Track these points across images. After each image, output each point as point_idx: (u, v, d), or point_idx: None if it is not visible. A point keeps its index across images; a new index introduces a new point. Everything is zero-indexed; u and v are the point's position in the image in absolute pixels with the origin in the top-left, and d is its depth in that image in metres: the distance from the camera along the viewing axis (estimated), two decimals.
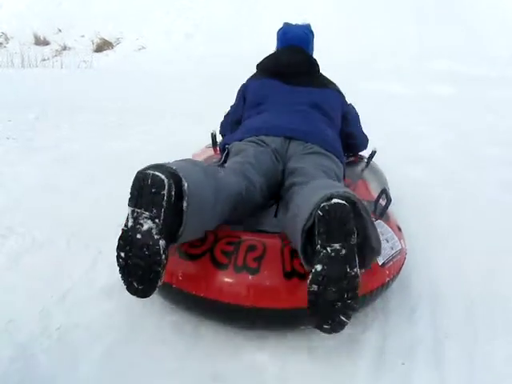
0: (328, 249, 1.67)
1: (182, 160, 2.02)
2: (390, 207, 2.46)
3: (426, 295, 2.54)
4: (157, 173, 1.69)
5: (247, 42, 14.16)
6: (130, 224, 1.73)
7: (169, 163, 1.82)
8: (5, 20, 17.91)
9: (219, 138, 3.41)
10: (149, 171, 1.72)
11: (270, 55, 3.14)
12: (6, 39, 17.06)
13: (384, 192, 2.43)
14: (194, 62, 12.49)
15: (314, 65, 3.10)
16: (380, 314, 2.35)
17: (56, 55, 14.99)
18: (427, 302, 2.48)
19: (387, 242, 2.28)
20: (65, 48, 15.60)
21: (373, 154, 3.50)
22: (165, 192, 1.67)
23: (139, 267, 1.71)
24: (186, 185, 1.73)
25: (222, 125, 3.35)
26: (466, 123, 6.77)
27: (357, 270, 1.69)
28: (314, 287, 1.69)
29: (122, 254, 1.74)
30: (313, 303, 1.70)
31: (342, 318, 1.71)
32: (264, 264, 1.98)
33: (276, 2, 17.06)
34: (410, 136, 6.00)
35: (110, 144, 4.98)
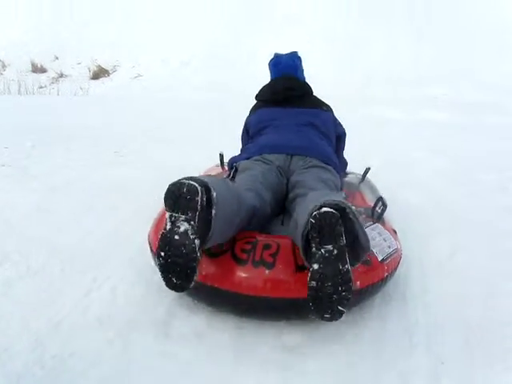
0: (322, 250, 1.93)
1: (206, 175, 2.40)
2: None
3: (422, 322, 2.53)
4: (191, 182, 1.97)
5: (243, 70, 14.28)
6: (168, 227, 1.99)
7: (198, 176, 2.10)
8: (2, 47, 18.08)
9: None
10: (184, 181, 1.98)
11: (266, 85, 3.49)
12: (4, 66, 17.20)
13: (380, 199, 2.73)
14: (189, 89, 12.58)
15: (305, 88, 3.44)
16: (377, 343, 2.34)
17: (53, 82, 15.10)
18: (424, 328, 2.47)
19: (385, 241, 2.55)
20: (61, 75, 15.72)
21: (367, 170, 3.88)
22: (198, 198, 1.95)
23: (177, 264, 1.98)
24: (214, 194, 2.02)
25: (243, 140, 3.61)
26: (461, 149, 6.81)
27: (348, 266, 1.94)
28: (313, 283, 1.95)
29: (162, 254, 2.00)
30: (313, 297, 1.96)
31: (340, 307, 1.95)
32: (279, 259, 2.24)
33: (271, 31, 17.25)
34: (405, 161, 6.03)
35: (106, 172, 4.98)
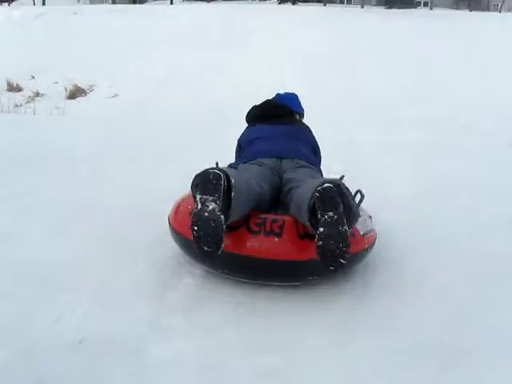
0: (325, 216, 2.50)
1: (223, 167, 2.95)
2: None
3: (404, 348, 2.53)
4: (216, 171, 2.56)
5: (220, 91, 14.31)
6: (199, 207, 2.52)
7: (219, 167, 2.79)
8: None
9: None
10: (210, 170, 2.57)
11: (255, 106, 4.23)
12: None
13: (359, 191, 3.17)
14: (166, 109, 12.53)
15: (288, 110, 4.08)
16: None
17: (29, 101, 14.94)
18: (405, 355, 2.47)
19: (365, 221, 3.23)
20: (37, 94, 15.59)
21: (342, 177, 4.02)
22: (222, 182, 2.51)
23: (208, 235, 2.51)
24: (233, 180, 2.60)
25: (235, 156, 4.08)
26: (435, 170, 6.88)
27: (346, 228, 2.51)
28: (320, 243, 2.52)
29: (196, 228, 2.53)
30: (320, 254, 2.54)
31: (341, 260, 2.54)
32: (285, 230, 2.83)
33: (249, 52, 17.39)
34: (380, 182, 6.07)
35: (81, 192, 4.93)
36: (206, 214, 2.50)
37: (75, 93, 15.47)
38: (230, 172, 2.67)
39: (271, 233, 2.81)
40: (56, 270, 3.14)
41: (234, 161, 3.88)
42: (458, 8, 37.43)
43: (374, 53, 16.69)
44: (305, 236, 2.81)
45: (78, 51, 17.90)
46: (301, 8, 26.24)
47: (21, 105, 14.42)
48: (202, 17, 22.97)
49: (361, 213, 3.09)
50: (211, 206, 2.50)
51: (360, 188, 3.24)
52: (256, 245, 2.81)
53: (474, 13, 28.94)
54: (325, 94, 13.52)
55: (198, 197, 2.54)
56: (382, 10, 30.78)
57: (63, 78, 15.67)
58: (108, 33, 19.03)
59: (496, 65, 17.14)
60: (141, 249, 3.53)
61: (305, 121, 4.32)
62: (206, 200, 2.51)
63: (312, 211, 2.59)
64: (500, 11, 35.19)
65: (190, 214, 2.58)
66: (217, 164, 3.94)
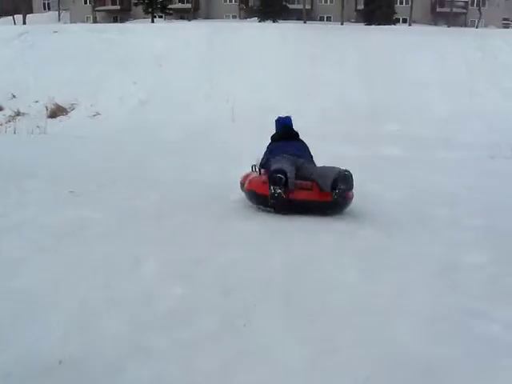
0: (342, 186, 4.75)
1: (288, 160, 5.22)
2: None
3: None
4: (280, 175, 4.74)
5: (201, 110, 14.42)
6: (271, 191, 4.70)
7: (282, 166, 4.95)
8: None
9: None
10: (276, 175, 4.74)
11: (277, 132, 5.97)
12: None
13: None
14: (147, 128, 12.56)
15: (295, 133, 5.96)
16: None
17: (9, 121, 14.91)
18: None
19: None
20: (18, 114, 15.54)
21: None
22: (283, 180, 4.71)
23: (277, 201, 4.78)
24: (288, 175, 4.81)
25: (261, 162, 5.72)
26: (414, 183, 6.95)
27: (348, 189, 4.87)
28: (337, 192, 4.77)
29: (272, 200, 4.77)
30: (338, 197, 4.80)
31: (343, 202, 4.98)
32: (313, 187, 5.05)
33: (233, 70, 17.50)
34: (360, 197, 6.10)
35: (61, 212, 4.89)
36: (276, 194, 4.72)
37: (56, 112, 15.45)
38: (286, 168, 4.95)
39: (305, 189, 5.06)
40: (36, 292, 3.10)
41: (265, 158, 5.65)
42: (436, 24, 38.01)
43: (354, 68, 16.85)
44: (321, 190, 4.98)
45: (59, 70, 17.89)
46: (281, 26, 26.44)
47: (1, 124, 14.38)
48: (183, 36, 23.08)
49: None
50: (278, 190, 4.72)
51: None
52: (300, 195, 5.00)
53: (451, 29, 29.37)
54: (309, 110, 13.65)
55: (272, 187, 4.74)
56: (361, 26, 31.15)
57: (44, 96, 15.64)
58: (89, 51, 19.06)
59: (474, 80, 17.43)
60: (121, 267, 3.51)
61: None
62: (275, 188, 4.73)
63: (334, 182, 4.83)
64: (477, 27, 35.76)
65: (269, 190, 4.76)
66: (253, 166, 5.84)
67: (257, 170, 5.64)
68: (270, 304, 3.07)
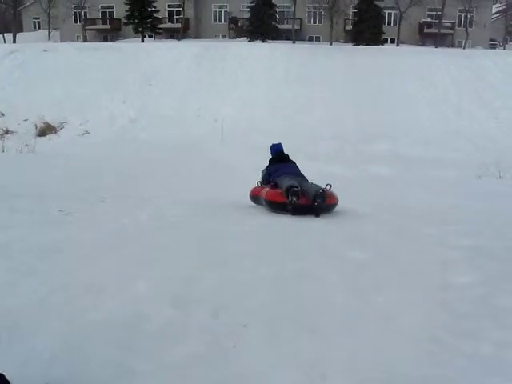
0: (318, 200, 6.29)
1: (292, 179, 6.68)
2: None
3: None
4: (296, 188, 6.30)
5: (190, 128, 14.42)
6: (290, 200, 6.28)
7: (292, 183, 6.43)
8: None
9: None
10: (294, 188, 6.29)
11: (274, 157, 7.36)
12: None
13: (328, 184, 6.69)
14: (136, 147, 12.56)
15: (287, 155, 7.36)
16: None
17: None
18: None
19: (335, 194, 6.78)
20: (7, 132, 15.49)
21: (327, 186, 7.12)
22: (299, 191, 6.32)
23: (293, 206, 6.37)
24: (300, 188, 6.39)
25: (263, 179, 7.25)
26: (404, 203, 6.98)
27: (323, 201, 6.39)
28: (318, 202, 6.34)
29: (289, 207, 6.34)
30: (318, 203, 6.34)
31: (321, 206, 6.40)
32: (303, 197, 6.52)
33: (216, 92, 17.56)
34: (350, 216, 6.13)
35: (50, 232, 4.86)
36: (293, 201, 6.16)
37: (45, 130, 15.42)
38: (298, 182, 6.49)
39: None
40: (25, 312, 3.06)
41: (266, 176, 7.17)
42: (423, 45, 38.47)
43: (343, 88, 16.98)
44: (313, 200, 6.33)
45: (49, 88, 17.88)
46: (270, 45, 26.65)
47: None
48: (173, 55, 23.20)
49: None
50: (294, 199, 6.16)
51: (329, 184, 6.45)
52: (302, 201, 6.36)
53: (439, 49, 29.72)
54: (297, 129, 13.72)
55: (290, 196, 6.19)
56: (350, 46, 31.45)
57: (33, 115, 15.62)
58: (79, 70, 19.09)
59: (462, 100, 17.61)
60: (110, 288, 3.48)
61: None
62: (292, 198, 6.16)
63: (313, 197, 6.24)
64: (464, 48, 36.22)
65: (287, 199, 6.26)
66: (260, 183, 7.29)
67: (263, 185, 7.16)
68: (259, 325, 3.05)
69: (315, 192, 6.28)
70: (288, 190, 6.24)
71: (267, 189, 6.73)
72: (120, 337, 2.88)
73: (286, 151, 7.45)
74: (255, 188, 7.16)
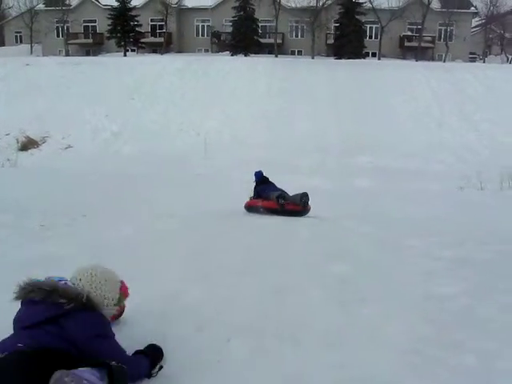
0: (304, 198, 7.92)
1: (277, 190, 8.34)
2: None
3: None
4: (283, 194, 8.04)
5: (173, 142, 14.39)
6: (280, 202, 7.90)
7: (279, 192, 8.10)
8: None
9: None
10: (282, 193, 8.07)
11: (259, 181, 8.74)
12: None
13: (306, 193, 8.02)
14: (118, 161, 12.49)
15: (268, 178, 8.72)
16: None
17: None
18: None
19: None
20: None
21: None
22: (284, 195, 8.07)
23: (282, 209, 8.10)
24: (285, 193, 8.32)
25: (255, 196, 8.58)
26: (387, 215, 7.01)
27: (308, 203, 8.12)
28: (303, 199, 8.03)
29: (279, 208, 7.94)
30: (303, 206, 7.94)
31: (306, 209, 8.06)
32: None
33: (199, 105, 17.57)
34: (333, 229, 6.14)
35: (29, 247, 4.80)
36: (282, 203, 7.71)
37: (27, 144, 15.29)
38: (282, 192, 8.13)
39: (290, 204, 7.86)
40: (4, 331, 3.01)
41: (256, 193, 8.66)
42: (404, 58, 38.89)
43: (325, 101, 17.09)
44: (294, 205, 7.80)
45: (31, 102, 17.78)
46: (253, 59, 26.77)
47: None
48: (156, 69, 23.21)
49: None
50: (282, 202, 7.72)
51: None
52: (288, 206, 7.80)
53: (420, 62, 30.06)
54: (280, 143, 13.76)
55: (280, 200, 7.77)
56: (331, 60, 31.71)
57: (15, 129, 15.51)
58: (61, 84, 19.02)
59: (442, 112, 17.80)
60: None
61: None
62: (281, 201, 7.78)
63: (301, 196, 7.72)
64: (444, 61, 36.67)
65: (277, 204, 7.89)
66: (251, 197, 8.59)
67: (255, 199, 8.55)
68: (243, 339, 3.04)
69: (301, 194, 7.81)
70: (277, 197, 7.90)
71: (261, 202, 8.33)
72: None
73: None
74: (250, 201, 8.58)
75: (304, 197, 7.79)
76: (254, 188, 8.76)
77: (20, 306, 2.77)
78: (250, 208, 8.38)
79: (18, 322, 2.68)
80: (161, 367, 2.73)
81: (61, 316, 2.58)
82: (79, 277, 2.92)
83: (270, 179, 8.76)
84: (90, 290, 2.82)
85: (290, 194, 8.07)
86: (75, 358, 2.46)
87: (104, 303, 2.89)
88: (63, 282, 2.81)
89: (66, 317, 2.58)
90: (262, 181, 8.78)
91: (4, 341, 2.53)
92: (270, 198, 8.11)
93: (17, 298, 2.75)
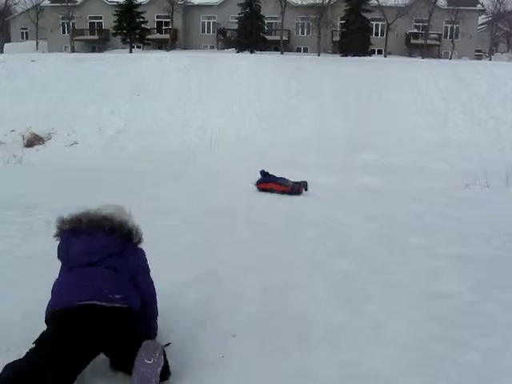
0: (304, 184, 9.85)
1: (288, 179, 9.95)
2: None
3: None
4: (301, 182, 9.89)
5: (178, 139, 14.39)
6: (299, 185, 9.77)
7: (296, 181, 9.68)
8: None
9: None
10: (299, 183, 9.81)
11: (263, 174, 9.91)
12: None
13: (305, 182, 9.72)
14: (124, 157, 12.50)
15: (268, 172, 10.16)
16: None
17: None
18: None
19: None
20: None
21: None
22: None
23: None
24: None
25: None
26: (392, 212, 6.99)
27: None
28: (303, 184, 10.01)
29: (295, 191, 9.71)
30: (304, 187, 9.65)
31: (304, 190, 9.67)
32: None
33: (204, 102, 17.54)
34: (338, 227, 6.13)
35: (36, 243, 4.81)
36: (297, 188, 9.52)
37: (33, 141, 15.31)
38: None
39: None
40: (9, 324, 3.03)
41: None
42: (410, 55, 38.77)
43: (331, 99, 17.06)
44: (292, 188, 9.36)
45: (37, 99, 17.80)
46: (258, 56, 26.74)
47: None
48: (161, 66, 23.20)
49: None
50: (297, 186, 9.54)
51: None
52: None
53: (426, 60, 29.96)
54: (286, 140, 13.75)
55: (297, 185, 9.50)
56: (337, 57, 31.63)
57: (21, 125, 15.53)
58: (66, 81, 19.03)
59: (449, 110, 17.75)
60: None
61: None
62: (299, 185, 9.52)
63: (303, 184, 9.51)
64: (450, 58, 36.53)
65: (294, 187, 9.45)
66: (255, 184, 10.07)
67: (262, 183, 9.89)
68: (247, 336, 3.04)
69: (302, 182, 9.54)
70: (296, 183, 9.35)
71: (275, 185, 9.62)
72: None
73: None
74: (261, 183, 9.76)
75: (305, 183, 9.42)
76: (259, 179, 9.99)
77: (64, 239, 2.97)
78: (262, 189, 9.64)
79: (76, 257, 2.85)
80: (168, 343, 2.85)
81: (123, 250, 2.90)
82: (111, 211, 3.23)
83: (271, 173, 9.88)
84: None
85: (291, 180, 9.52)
86: (134, 314, 2.69)
87: None
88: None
89: (128, 250, 2.92)
90: (264, 174, 9.90)
91: (68, 283, 2.75)
92: (284, 183, 9.48)
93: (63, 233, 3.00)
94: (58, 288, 2.77)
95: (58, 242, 2.97)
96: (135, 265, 2.92)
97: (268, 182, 9.73)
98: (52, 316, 2.63)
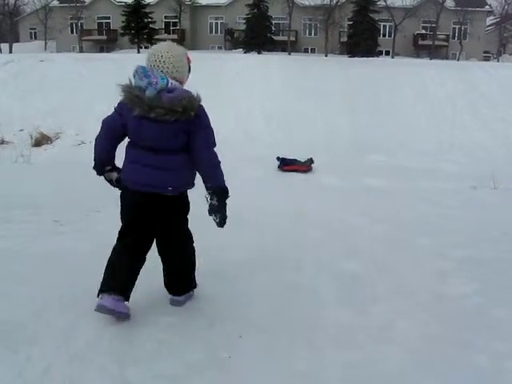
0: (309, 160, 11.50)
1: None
2: None
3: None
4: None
5: None
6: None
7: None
8: None
9: None
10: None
11: (281, 159, 11.18)
12: None
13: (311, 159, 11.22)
14: None
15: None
16: None
17: None
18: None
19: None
20: (2, 142, 15.40)
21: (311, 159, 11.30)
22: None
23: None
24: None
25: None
26: (399, 214, 6.97)
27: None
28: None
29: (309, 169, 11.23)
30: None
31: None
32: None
33: (211, 102, 17.52)
34: (345, 228, 6.12)
35: (44, 242, 4.84)
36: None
37: (41, 140, 15.31)
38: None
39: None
40: (18, 322, 3.05)
41: None
42: (418, 56, 38.69)
43: (338, 100, 17.06)
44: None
45: (45, 98, 17.86)
46: (266, 57, 26.73)
47: None
48: None
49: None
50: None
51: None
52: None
53: (434, 61, 29.87)
54: (293, 141, 13.74)
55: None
56: (345, 58, 31.59)
57: (29, 125, 15.58)
58: (75, 80, 19.09)
59: (456, 111, 17.71)
60: None
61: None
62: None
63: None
64: (458, 60, 36.44)
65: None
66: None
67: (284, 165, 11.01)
68: (254, 336, 3.05)
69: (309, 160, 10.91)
70: (307, 162, 10.75)
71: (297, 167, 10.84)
72: (115, 346, 2.88)
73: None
74: (285, 166, 10.85)
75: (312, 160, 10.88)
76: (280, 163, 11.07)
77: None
78: (286, 170, 10.69)
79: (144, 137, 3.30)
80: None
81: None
82: (162, 59, 3.43)
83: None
84: (174, 71, 3.41)
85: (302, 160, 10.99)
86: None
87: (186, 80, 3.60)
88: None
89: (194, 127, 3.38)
90: (281, 159, 10.94)
91: (137, 162, 3.32)
92: (303, 164, 10.75)
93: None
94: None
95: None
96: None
97: (290, 165, 10.90)
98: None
